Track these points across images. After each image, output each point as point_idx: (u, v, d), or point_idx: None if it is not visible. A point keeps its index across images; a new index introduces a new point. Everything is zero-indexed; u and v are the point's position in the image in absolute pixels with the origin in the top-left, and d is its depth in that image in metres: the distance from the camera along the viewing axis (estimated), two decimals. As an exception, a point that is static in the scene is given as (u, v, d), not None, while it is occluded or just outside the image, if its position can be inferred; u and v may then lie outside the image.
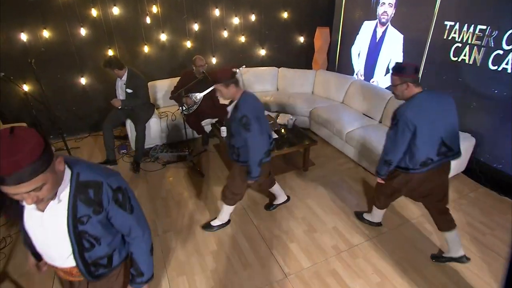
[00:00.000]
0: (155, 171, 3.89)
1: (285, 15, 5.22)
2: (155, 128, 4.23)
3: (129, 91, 3.79)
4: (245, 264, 2.58)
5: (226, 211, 2.88)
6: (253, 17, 5.03)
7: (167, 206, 3.26)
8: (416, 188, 2.34)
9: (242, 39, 5.11)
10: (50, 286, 2.45)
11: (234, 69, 4.11)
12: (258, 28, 5.18)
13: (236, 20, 4.93)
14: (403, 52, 4.14)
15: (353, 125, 3.97)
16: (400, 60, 4.18)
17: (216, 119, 4.37)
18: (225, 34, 4.94)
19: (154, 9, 4.39)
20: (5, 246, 2.84)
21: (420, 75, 3.92)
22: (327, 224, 2.95)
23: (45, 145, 0.99)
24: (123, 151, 4.34)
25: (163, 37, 4.59)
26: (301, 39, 5.56)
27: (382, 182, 2.44)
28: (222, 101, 4.56)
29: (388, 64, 4.41)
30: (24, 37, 3.97)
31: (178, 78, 4.26)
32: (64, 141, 3.91)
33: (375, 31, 4.53)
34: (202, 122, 4.37)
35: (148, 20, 4.40)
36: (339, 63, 5.43)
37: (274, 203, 3.19)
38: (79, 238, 1.19)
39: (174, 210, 3.20)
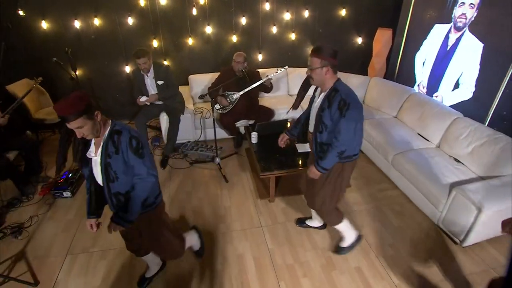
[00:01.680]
0: (181, 169, 3.80)
1: (342, 12, 4.70)
2: (188, 123, 4.13)
3: (160, 82, 3.71)
4: (246, 293, 2.32)
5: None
6: (306, 13, 4.61)
7: (182, 212, 3.13)
8: (349, 176, 2.32)
9: (292, 36, 4.73)
10: (56, 274, 2.47)
11: (277, 70, 3.86)
12: (311, 26, 4.75)
13: (287, 16, 4.56)
14: (480, 64, 3.41)
15: (404, 146, 3.41)
16: (475, 73, 3.45)
17: (253, 121, 4.13)
18: (274, 30, 4.61)
19: (201, 0, 4.24)
20: (30, 225, 2.96)
21: (499, 95, 3.19)
22: (350, 263, 2.54)
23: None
24: (156, 143, 4.34)
25: (209, 29, 4.43)
26: (359, 40, 4.99)
27: (316, 177, 2.24)
28: (262, 102, 4.32)
29: (459, 78, 3.69)
30: (77, 24, 4.12)
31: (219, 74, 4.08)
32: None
33: (447, 37, 3.82)
34: (237, 123, 4.16)
35: (194, 11, 4.27)
36: (399, 71, 4.76)
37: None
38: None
39: (191, 218, 3.05)
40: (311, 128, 2.30)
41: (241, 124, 4.21)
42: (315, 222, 2.86)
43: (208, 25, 4.40)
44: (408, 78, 4.54)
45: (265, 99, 4.49)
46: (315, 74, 2.05)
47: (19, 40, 4.09)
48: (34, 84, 3.55)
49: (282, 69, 3.89)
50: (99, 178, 1.80)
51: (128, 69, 4.52)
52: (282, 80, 4.70)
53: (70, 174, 3.47)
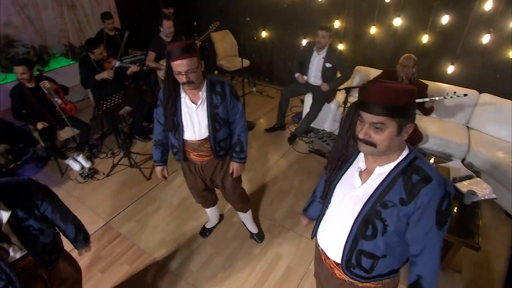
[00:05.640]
0: (299, 152, 3.83)
1: None
2: (330, 113, 4.00)
3: (328, 65, 3.68)
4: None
5: None
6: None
7: (265, 188, 3.26)
8: None
9: (514, 53, 3.43)
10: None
11: (454, 93, 2.99)
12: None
13: (516, 24, 3.29)
14: None
15: None
16: None
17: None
18: (486, 39, 3.46)
19: (401, -13, 3.67)
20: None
21: None
22: None
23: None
24: (296, 119, 4.47)
25: (397, 22, 3.85)
26: None
27: None
28: (419, 120, 3.54)
29: None
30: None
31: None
32: (251, 82, 4.54)
33: None
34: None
35: (388, -2, 3.78)
36: None
37: None
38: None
39: (268, 198, 3.16)
40: None
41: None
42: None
43: (398, 16, 3.81)
44: None
45: (428, 118, 3.65)
46: None
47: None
48: (212, 28, 4.20)
49: (458, 95, 2.99)
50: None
51: (304, 42, 4.68)
52: (465, 107, 3.61)
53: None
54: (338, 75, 3.84)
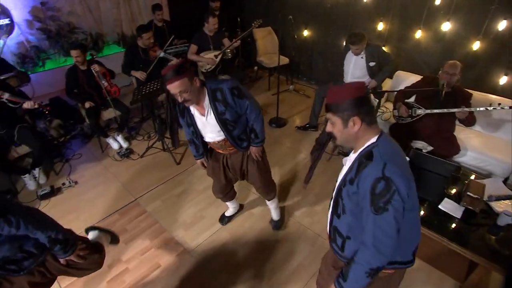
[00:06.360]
0: (326, 153, 3.77)
1: None
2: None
3: (372, 64, 3.61)
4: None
5: None
6: None
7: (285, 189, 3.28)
8: None
9: None
10: (194, 163, 3.40)
11: (498, 105, 2.76)
12: None
13: None
14: None
15: None
16: None
17: (431, 148, 3.34)
18: (548, 50, 3.16)
19: (453, -11, 3.45)
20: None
21: None
22: None
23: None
24: (329, 120, 4.41)
25: (446, 26, 3.63)
26: None
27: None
28: (460, 132, 3.32)
29: None
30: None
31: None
32: (289, 80, 4.57)
33: None
34: (412, 142, 3.48)
35: (438, 1, 3.57)
36: None
37: None
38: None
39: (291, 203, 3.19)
40: None
41: (415, 144, 3.50)
42: None
43: (448, 20, 3.59)
44: None
45: (470, 131, 3.41)
46: None
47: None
48: (254, 25, 4.23)
49: (503, 107, 2.76)
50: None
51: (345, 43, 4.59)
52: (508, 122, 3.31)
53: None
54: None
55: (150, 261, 2.52)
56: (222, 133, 2.05)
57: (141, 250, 2.61)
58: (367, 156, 1.22)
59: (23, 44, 4.28)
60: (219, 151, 2.26)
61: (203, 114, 1.99)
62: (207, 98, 1.93)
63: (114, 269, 2.47)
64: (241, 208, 2.96)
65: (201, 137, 2.16)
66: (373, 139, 1.25)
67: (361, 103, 1.22)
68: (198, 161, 2.40)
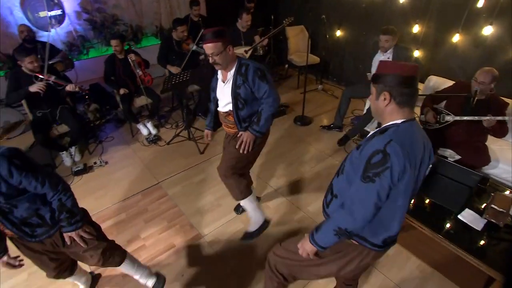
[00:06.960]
0: (346, 152, 3.76)
1: None
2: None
3: None
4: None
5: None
6: None
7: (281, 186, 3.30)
8: None
9: None
10: (216, 153, 3.53)
11: None
12: None
13: None
14: None
15: None
16: None
17: (459, 157, 3.18)
18: None
19: (499, -9, 3.26)
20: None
21: None
22: None
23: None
24: (355, 122, 4.34)
25: (487, 30, 3.44)
26: None
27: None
28: (493, 142, 3.14)
29: None
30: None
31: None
32: (318, 80, 4.54)
33: None
34: (442, 149, 3.34)
35: (481, 3, 3.39)
36: None
37: None
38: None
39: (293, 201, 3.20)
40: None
41: (443, 152, 3.35)
42: None
43: (491, 24, 3.40)
44: None
45: (504, 142, 3.22)
46: None
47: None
48: (285, 23, 4.25)
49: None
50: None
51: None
52: None
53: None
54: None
55: (166, 241, 2.67)
56: (231, 106, 2.16)
57: (159, 230, 2.77)
58: (381, 131, 1.26)
59: (71, 34, 4.66)
60: (224, 126, 2.38)
61: (223, 81, 2.17)
62: (234, 68, 2.10)
63: (133, 244, 2.64)
64: (257, 200, 3.03)
65: (217, 105, 2.32)
66: (398, 121, 1.25)
67: (399, 82, 1.21)
68: (205, 131, 2.54)
